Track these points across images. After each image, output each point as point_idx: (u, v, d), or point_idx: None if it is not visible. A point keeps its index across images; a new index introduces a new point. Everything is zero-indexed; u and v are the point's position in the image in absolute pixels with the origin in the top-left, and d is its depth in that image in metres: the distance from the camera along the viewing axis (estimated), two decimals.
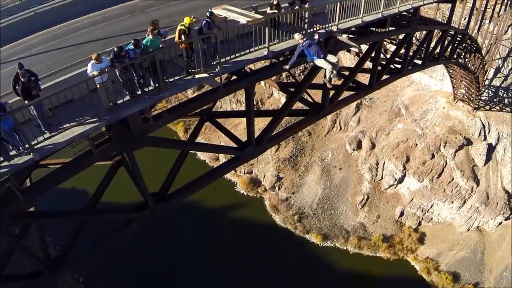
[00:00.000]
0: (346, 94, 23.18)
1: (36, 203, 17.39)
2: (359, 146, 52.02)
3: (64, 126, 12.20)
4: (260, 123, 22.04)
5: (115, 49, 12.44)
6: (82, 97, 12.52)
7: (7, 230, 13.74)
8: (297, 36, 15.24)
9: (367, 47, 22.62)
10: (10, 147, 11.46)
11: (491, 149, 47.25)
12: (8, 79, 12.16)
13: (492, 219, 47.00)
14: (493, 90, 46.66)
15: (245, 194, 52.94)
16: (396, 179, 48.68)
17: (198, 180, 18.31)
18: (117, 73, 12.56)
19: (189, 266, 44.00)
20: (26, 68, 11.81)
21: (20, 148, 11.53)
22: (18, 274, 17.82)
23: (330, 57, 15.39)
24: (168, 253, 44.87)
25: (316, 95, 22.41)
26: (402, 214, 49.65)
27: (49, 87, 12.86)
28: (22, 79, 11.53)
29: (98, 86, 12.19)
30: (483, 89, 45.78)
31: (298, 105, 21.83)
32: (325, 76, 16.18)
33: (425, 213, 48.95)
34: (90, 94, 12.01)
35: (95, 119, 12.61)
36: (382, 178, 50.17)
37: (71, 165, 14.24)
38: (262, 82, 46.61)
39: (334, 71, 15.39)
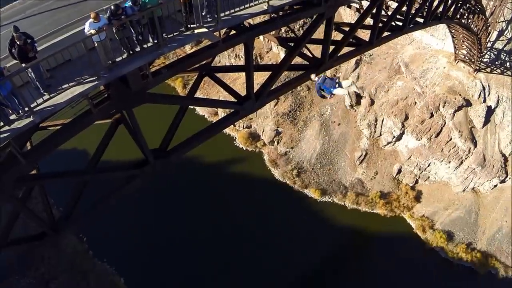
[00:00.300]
0: (346, 49, 22.77)
1: (38, 166, 17.53)
2: (358, 102, 51.76)
3: (63, 87, 12.07)
4: (259, 78, 21.93)
5: (112, 7, 12.14)
6: (80, 57, 12.31)
7: (10, 194, 13.82)
8: (312, 76, 16.69)
9: (368, 3, 21.97)
10: (10, 111, 11.39)
11: (490, 111, 47.04)
12: (4, 43, 11.96)
13: (487, 181, 47.50)
14: (495, 52, 45.89)
15: (244, 148, 53.17)
16: (394, 137, 48.78)
17: (198, 135, 18.33)
18: (115, 31, 12.25)
19: (190, 221, 44.77)
20: (21, 30, 11.53)
21: (20, 111, 11.44)
22: (24, 237, 18.23)
23: (344, 83, 16.13)
24: (169, 209, 45.51)
25: (316, 50, 22.02)
26: (399, 171, 50.09)
27: (46, 49, 12.62)
28: (18, 42, 11.28)
29: (96, 44, 11.94)
30: (485, 51, 45.07)
31: (297, 60, 21.55)
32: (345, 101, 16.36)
33: (422, 172, 49.38)
34: (88, 53, 11.85)
35: (94, 78, 12.51)
36: (380, 134, 50.24)
37: (71, 125, 14.17)
38: (261, 37, 45.76)
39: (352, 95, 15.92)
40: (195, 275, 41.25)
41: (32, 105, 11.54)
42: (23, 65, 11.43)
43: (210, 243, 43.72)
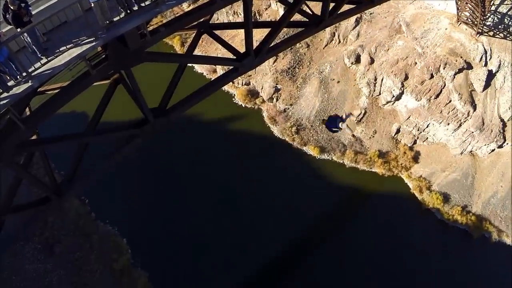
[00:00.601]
0: (346, 7, 22.48)
1: (37, 131, 17.43)
2: (357, 60, 50.86)
3: (60, 49, 11.89)
4: (258, 35, 21.47)
5: None
6: (76, 18, 12.07)
7: (12, 161, 13.78)
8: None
9: None
10: (8, 78, 11.17)
11: (491, 75, 46.28)
12: None
13: (485, 145, 47.45)
14: (499, 16, 44.90)
15: (243, 105, 52.82)
16: (393, 96, 48.35)
17: (197, 93, 18.38)
18: None
19: (189, 179, 45.04)
20: None
21: (18, 77, 11.28)
22: (28, 203, 18.35)
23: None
24: (169, 168, 45.61)
25: (316, 7, 21.50)
26: (398, 131, 49.95)
27: (41, 12, 12.27)
28: (11, 7, 11.02)
29: (92, 5, 11.55)
30: (488, 14, 44.09)
31: (296, 17, 21.19)
32: None
33: (421, 132, 49.22)
34: (85, 14, 11.59)
35: (92, 39, 12.42)
36: (379, 93, 49.77)
37: (69, 88, 14.08)
38: None
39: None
40: (195, 230, 41.93)
41: (30, 70, 11.41)
42: (19, 30, 11.20)
43: (210, 200, 44.07)
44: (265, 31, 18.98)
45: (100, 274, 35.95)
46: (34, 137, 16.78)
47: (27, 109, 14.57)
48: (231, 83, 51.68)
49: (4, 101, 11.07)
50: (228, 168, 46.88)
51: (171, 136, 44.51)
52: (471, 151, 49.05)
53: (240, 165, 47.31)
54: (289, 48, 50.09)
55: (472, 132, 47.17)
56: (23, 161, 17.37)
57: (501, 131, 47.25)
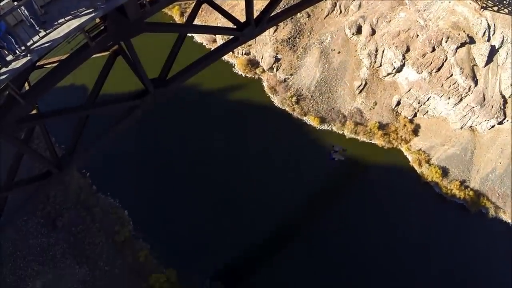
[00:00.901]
0: None
1: (37, 106, 17.21)
2: (358, 31, 50.23)
3: (59, 22, 11.58)
4: (258, 5, 20.95)
5: None
6: None
7: (13, 136, 13.63)
8: None
9: None
10: (6, 52, 10.91)
11: (493, 51, 45.78)
12: None
13: (485, 121, 47.35)
14: None
15: (243, 75, 52.37)
16: (394, 68, 47.87)
17: (197, 63, 18.13)
18: None
19: (190, 149, 45.03)
20: None
21: (16, 51, 11.02)
22: (30, 178, 18.26)
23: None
24: (169, 139, 45.45)
25: None
26: (398, 103, 49.67)
27: None
28: None
29: None
30: None
31: None
32: None
33: (421, 105, 48.97)
34: None
35: (91, 10, 12.14)
36: (380, 65, 49.27)
37: (69, 61, 13.86)
38: None
39: None
40: (197, 202, 42.21)
41: (28, 44, 11.14)
42: (15, 3, 10.85)
43: (211, 170, 44.22)
44: (265, 1, 18.55)
45: (102, 246, 36.45)
46: (34, 112, 16.69)
47: (26, 84, 14.35)
48: (231, 52, 51.09)
49: (3, 76, 10.84)
50: (228, 137, 46.97)
51: (171, 107, 44.24)
52: (471, 126, 48.99)
53: (239, 135, 47.42)
54: (290, 18, 49.56)
55: (473, 107, 47.01)
56: (23, 136, 17.28)
57: (502, 107, 47.12)
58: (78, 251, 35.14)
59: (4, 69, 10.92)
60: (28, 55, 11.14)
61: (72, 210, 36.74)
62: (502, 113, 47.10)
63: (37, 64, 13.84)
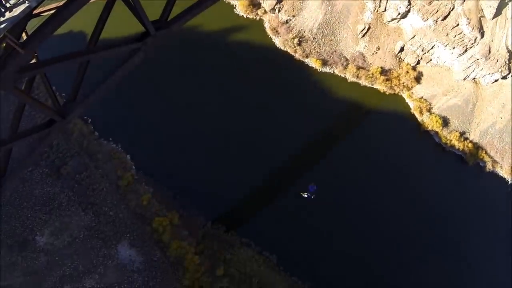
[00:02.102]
0: None
1: (37, 55, 16.83)
2: None
3: None
4: None
5: None
6: None
7: (14, 87, 13.44)
8: None
9: None
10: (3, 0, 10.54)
11: (503, 4, 44.55)
12: None
13: (489, 74, 46.89)
14: None
15: (245, 16, 50.77)
16: (399, 13, 46.53)
17: (198, 3, 17.39)
18: None
19: (191, 94, 44.34)
20: None
21: None
22: (33, 127, 18.17)
23: None
24: (170, 83, 44.50)
25: None
26: (402, 49, 48.85)
27: None
28: None
29: None
30: None
31: None
32: None
33: (425, 53, 48.21)
34: None
35: None
36: (385, 10, 47.83)
37: (66, 7, 13.35)
38: None
39: None
40: (197, 145, 42.44)
41: None
42: None
43: (212, 114, 43.96)
44: None
45: (107, 192, 37.06)
46: (33, 61, 16.40)
47: (23, 35, 13.98)
48: None
49: (3, 25, 10.56)
50: (230, 80, 46.37)
51: (171, 49, 43.29)
52: (474, 78, 48.66)
53: (241, 77, 46.73)
54: None
55: (478, 59, 46.44)
56: (24, 87, 17.10)
57: (507, 62, 46.57)
58: (83, 198, 35.74)
59: (2, 19, 10.64)
60: (26, 1, 10.80)
61: (75, 157, 36.94)
62: (506, 68, 46.67)
63: (34, 12, 13.48)
